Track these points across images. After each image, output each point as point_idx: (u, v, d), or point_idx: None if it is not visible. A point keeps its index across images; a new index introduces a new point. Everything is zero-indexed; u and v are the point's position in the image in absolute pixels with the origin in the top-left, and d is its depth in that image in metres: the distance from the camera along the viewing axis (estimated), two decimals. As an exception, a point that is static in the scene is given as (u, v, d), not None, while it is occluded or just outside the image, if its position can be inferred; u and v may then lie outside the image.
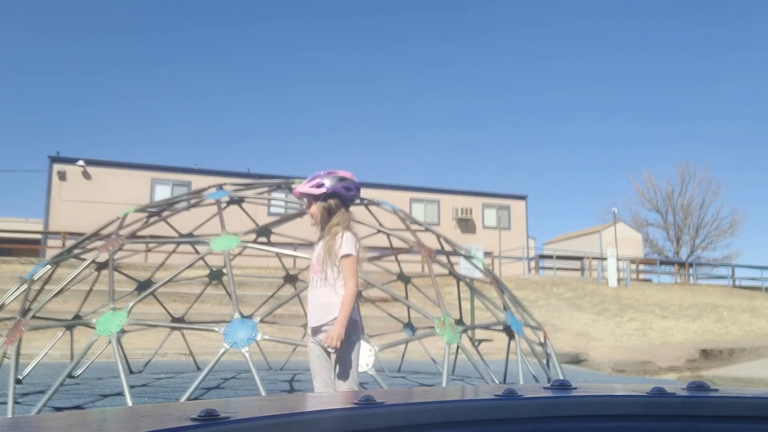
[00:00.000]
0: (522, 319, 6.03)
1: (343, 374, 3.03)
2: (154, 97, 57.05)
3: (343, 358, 3.03)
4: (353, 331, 3.08)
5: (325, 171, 3.13)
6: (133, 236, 5.53)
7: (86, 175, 23.47)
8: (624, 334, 15.44)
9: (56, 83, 52.98)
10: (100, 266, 6.75)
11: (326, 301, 3.04)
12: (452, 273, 6.09)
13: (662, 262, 33.44)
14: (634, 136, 61.19)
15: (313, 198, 3.13)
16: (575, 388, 1.08)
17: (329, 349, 2.99)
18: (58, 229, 21.46)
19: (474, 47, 60.66)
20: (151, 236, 7.73)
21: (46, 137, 53.66)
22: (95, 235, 6.09)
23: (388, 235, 6.33)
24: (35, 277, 5.73)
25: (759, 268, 29.21)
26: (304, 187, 3.12)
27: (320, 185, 3.08)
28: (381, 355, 6.82)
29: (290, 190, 7.25)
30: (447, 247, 6.65)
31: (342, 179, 3.13)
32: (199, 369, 7.49)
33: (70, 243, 10.28)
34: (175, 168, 25.05)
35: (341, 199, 3.14)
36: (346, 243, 3.06)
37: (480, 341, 9.27)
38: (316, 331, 3.08)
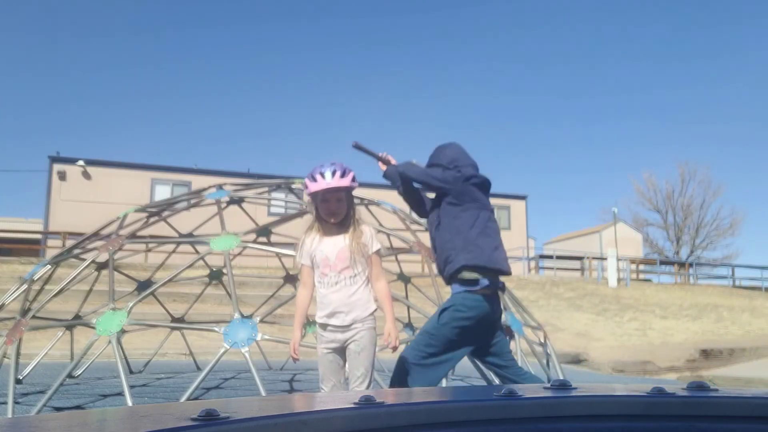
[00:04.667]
0: (522, 319, 6.02)
1: (365, 374, 2.90)
2: (154, 97, 57.09)
3: (368, 358, 2.92)
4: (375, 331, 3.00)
5: (330, 162, 2.95)
6: (133, 236, 5.53)
7: (86, 175, 23.46)
8: (624, 334, 15.43)
9: (56, 83, 53.00)
10: (100, 266, 6.75)
11: (357, 297, 2.91)
12: (452, 273, 6.08)
13: (662, 262, 33.42)
14: (634, 136, 61.26)
15: (347, 191, 2.95)
16: (575, 388, 1.08)
17: (389, 347, 2.96)
18: (58, 229, 21.45)
19: (474, 47, 60.67)
20: (151, 236, 7.73)
21: (46, 137, 53.74)
22: (95, 235, 6.09)
23: (388, 235, 6.32)
24: (35, 277, 5.73)
25: (759, 268, 29.21)
26: (345, 180, 2.90)
27: (354, 179, 2.93)
28: (381, 355, 6.80)
29: (290, 190, 7.26)
30: (447, 247, 6.63)
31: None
32: (199, 369, 7.49)
33: (70, 243, 10.28)
34: (175, 168, 25.03)
35: None
36: (375, 238, 3.00)
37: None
38: (343, 330, 2.91)
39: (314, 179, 2.90)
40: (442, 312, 3.27)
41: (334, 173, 2.88)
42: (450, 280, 3.34)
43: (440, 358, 3.24)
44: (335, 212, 2.92)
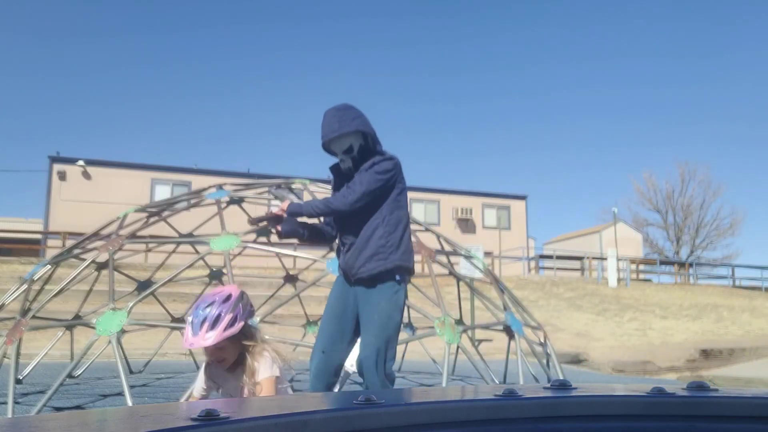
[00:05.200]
0: (522, 319, 6.02)
1: None
2: (154, 97, 57.12)
3: None
4: None
5: (212, 296, 2.40)
6: (133, 236, 5.52)
7: (86, 175, 23.47)
8: (624, 334, 15.43)
9: (56, 83, 53.03)
10: (100, 266, 6.75)
11: None
12: (452, 273, 6.09)
13: (662, 262, 33.44)
14: (634, 136, 61.36)
15: (230, 338, 2.34)
16: (575, 388, 1.08)
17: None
18: (58, 229, 21.46)
19: (473, 47, 60.69)
20: (151, 236, 7.72)
21: (46, 137, 53.77)
22: (95, 235, 6.09)
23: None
24: (35, 277, 5.73)
25: (759, 268, 29.23)
26: (214, 336, 2.26)
27: (234, 319, 2.34)
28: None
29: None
30: (447, 247, 6.65)
31: (240, 297, 2.43)
32: (199, 369, 7.48)
33: (70, 243, 10.28)
34: (175, 168, 25.05)
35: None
36: (274, 364, 2.42)
37: (480, 341, 9.27)
38: None
39: (187, 325, 2.35)
40: (392, 313, 3.13)
41: (202, 324, 2.27)
42: (371, 274, 3.11)
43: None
44: (220, 360, 2.43)
